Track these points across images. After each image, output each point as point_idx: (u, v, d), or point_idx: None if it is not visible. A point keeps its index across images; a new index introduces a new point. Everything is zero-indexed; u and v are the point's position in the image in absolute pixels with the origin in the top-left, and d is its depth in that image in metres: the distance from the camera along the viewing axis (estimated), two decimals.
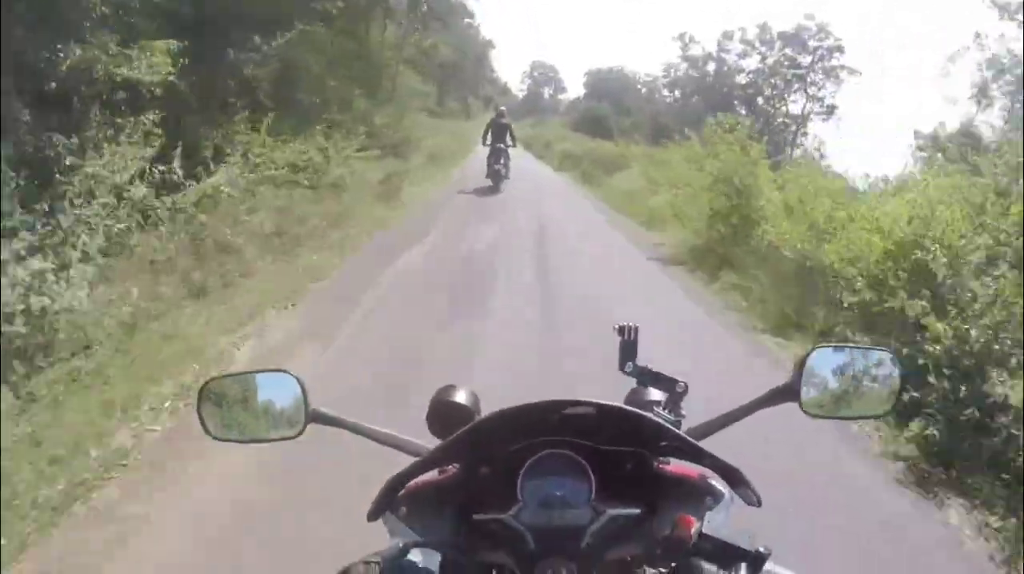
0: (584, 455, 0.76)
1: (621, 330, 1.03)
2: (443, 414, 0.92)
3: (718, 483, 0.79)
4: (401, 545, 0.72)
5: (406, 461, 0.78)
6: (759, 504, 0.73)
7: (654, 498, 0.77)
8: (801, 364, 0.85)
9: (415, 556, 0.72)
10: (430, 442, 0.89)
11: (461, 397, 0.94)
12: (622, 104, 35.82)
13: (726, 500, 0.78)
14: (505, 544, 0.75)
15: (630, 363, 1.02)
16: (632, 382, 1.04)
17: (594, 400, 0.70)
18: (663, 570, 0.73)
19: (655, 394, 0.98)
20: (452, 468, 0.82)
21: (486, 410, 0.93)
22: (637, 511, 0.75)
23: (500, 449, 0.77)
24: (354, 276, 6.30)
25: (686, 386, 0.99)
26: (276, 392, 0.91)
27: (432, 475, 0.81)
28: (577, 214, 11.57)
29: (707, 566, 0.61)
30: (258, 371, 0.95)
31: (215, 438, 0.92)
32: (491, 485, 0.78)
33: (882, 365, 0.92)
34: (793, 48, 37.02)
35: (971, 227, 3.97)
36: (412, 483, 0.79)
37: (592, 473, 0.76)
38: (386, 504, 0.77)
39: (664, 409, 0.97)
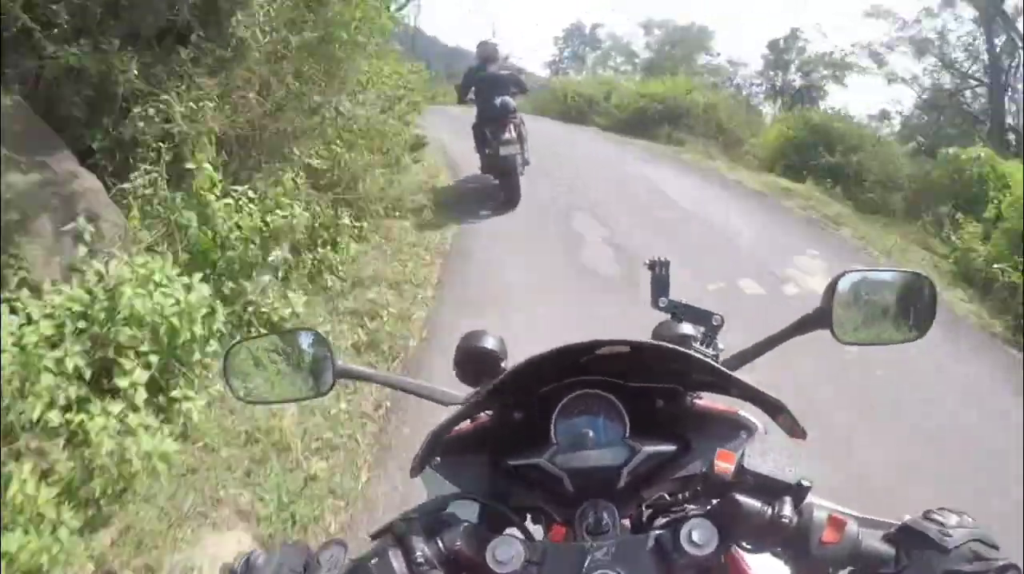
0: (616, 393, 0.76)
1: (652, 265, 1.01)
2: (471, 360, 0.93)
3: (752, 416, 0.78)
4: (439, 498, 0.72)
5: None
6: (804, 435, 0.71)
7: (689, 434, 0.76)
8: (831, 289, 0.83)
9: (454, 508, 0.72)
10: (457, 388, 0.89)
11: (488, 343, 0.94)
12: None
13: (760, 433, 0.77)
14: (542, 488, 0.75)
15: (663, 298, 1.00)
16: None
17: (627, 339, 0.69)
18: (703, 508, 0.73)
19: (687, 328, 0.97)
20: (483, 415, 0.82)
21: (512, 348, 0.93)
22: (673, 448, 0.75)
23: (531, 393, 0.77)
24: None
25: (722, 319, 0.97)
26: (302, 350, 0.91)
27: (464, 423, 0.81)
28: None
29: (748, 501, 0.59)
30: (283, 331, 0.95)
31: (244, 401, 0.93)
32: (524, 429, 0.78)
33: (916, 288, 0.89)
34: None
35: None
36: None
37: (625, 411, 0.75)
38: (429, 458, 0.76)
39: (701, 343, 0.96)
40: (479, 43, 6.82)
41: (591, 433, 0.75)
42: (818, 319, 0.83)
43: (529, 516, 0.78)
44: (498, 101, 6.28)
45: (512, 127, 6.23)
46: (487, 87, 6.45)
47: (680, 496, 0.76)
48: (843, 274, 0.84)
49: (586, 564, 0.59)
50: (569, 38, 35.85)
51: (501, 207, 6.25)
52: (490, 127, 6.27)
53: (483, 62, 6.64)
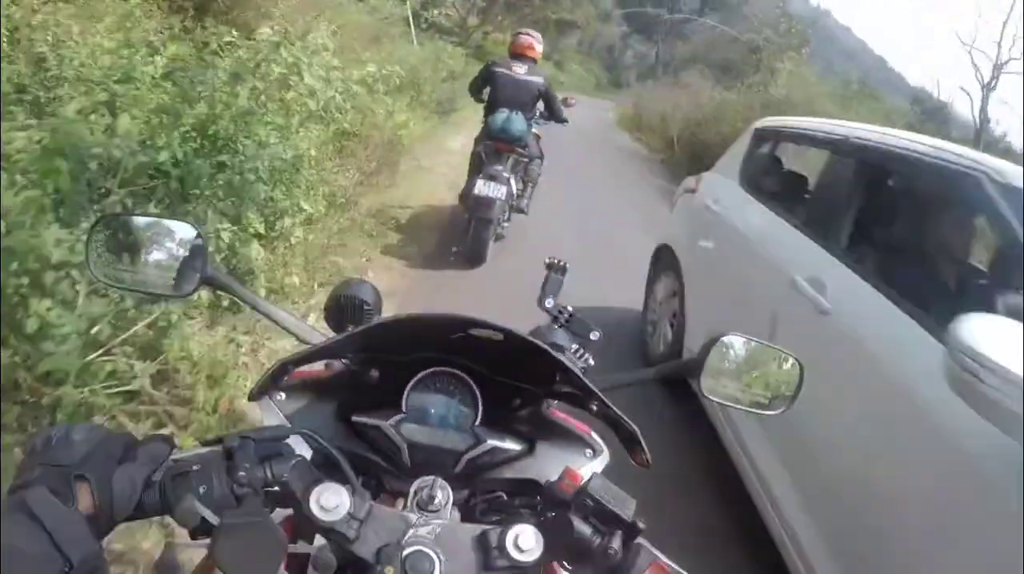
0: (476, 380, 0.75)
1: (549, 265, 1.00)
2: (342, 306, 0.90)
3: (600, 440, 0.80)
4: (282, 427, 0.69)
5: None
6: (648, 465, 0.73)
7: (537, 440, 0.77)
8: (710, 345, 0.86)
9: (294, 443, 0.69)
10: (323, 330, 0.86)
11: (363, 292, 0.92)
12: None
13: (605, 457, 0.79)
14: (381, 453, 0.73)
15: (551, 299, 1.00)
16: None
17: (504, 326, 0.68)
18: (536, 517, 0.73)
19: (560, 336, 0.97)
20: (341, 363, 0.79)
21: (390, 310, 0.90)
22: (517, 448, 0.75)
23: (394, 355, 0.75)
24: None
25: (601, 335, 0.97)
26: (176, 243, 0.84)
27: (319, 367, 0.78)
28: None
29: (581, 524, 0.60)
30: (161, 216, 0.87)
31: (98, 280, 0.85)
32: (378, 390, 0.75)
33: (786, 366, 0.94)
34: None
35: None
36: (297, 371, 0.76)
37: (481, 400, 0.75)
38: (270, 386, 0.73)
39: (576, 355, 0.96)
40: (516, 39, 4.74)
41: (441, 412, 0.74)
42: (689, 367, 0.86)
43: (362, 478, 0.75)
44: (503, 115, 4.32)
45: (511, 160, 4.42)
46: (503, 92, 4.51)
47: (517, 500, 0.76)
48: (724, 335, 0.87)
49: (407, 536, 0.57)
50: None
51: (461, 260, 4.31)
52: (486, 147, 4.41)
53: (511, 57, 4.66)
